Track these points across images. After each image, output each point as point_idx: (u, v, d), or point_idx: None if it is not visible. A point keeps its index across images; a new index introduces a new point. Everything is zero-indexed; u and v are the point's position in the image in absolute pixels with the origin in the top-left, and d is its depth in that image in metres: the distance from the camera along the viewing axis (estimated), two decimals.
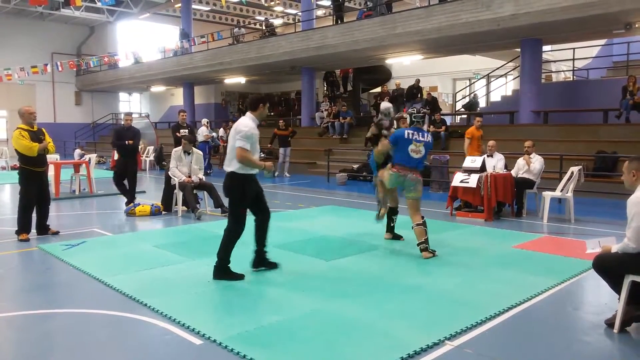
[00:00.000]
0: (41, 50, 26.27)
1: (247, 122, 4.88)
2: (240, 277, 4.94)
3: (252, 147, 4.84)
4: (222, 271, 4.93)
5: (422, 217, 5.92)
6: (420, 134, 6.07)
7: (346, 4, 20.51)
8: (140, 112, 30.84)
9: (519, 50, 14.11)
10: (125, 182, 9.26)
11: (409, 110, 6.86)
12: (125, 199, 9.31)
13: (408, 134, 6.01)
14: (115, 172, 9.40)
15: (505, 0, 11.62)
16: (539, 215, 8.39)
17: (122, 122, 9.43)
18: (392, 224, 6.77)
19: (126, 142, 9.03)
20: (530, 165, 8.55)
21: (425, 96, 17.18)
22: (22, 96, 24.33)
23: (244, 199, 4.98)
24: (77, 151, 18.15)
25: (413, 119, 6.27)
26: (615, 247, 3.81)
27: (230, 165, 4.88)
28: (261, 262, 5.25)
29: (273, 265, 5.31)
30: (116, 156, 9.98)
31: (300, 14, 19.51)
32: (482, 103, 18.78)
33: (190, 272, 5.23)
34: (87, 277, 5.13)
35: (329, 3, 21.63)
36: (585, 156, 11.07)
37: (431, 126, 14.84)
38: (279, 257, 5.81)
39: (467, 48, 15.44)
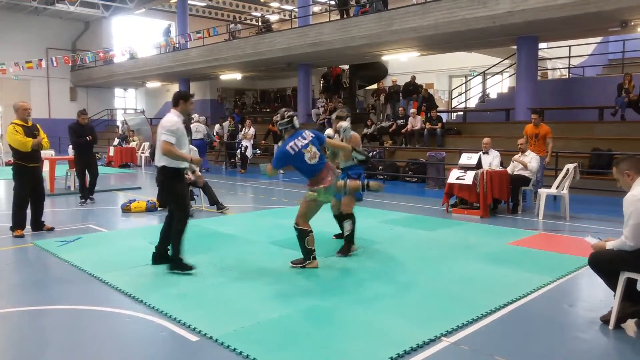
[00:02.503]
0: (36, 45, 26.09)
1: (170, 118, 5.07)
2: (190, 268, 5.03)
3: (179, 141, 5.03)
4: (176, 263, 5.06)
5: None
6: (300, 137, 5.18)
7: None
8: (135, 108, 30.73)
9: (515, 47, 14.12)
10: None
11: (275, 117, 5.35)
12: (84, 195, 9.60)
13: (291, 148, 5.14)
14: (78, 170, 9.64)
15: None
16: (534, 213, 8.42)
17: (77, 120, 9.59)
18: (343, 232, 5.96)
19: (87, 137, 9.35)
20: (527, 165, 8.56)
21: (422, 93, 17.17)
22: (17, 92, 24.19)
23: (180, 188, 5.19)
24: (70, 148, 18.03)
25: (279, 128, 5.28)
26: (610, 244, 3.82)
27: (160, 160, 5.05)
28: (162, 258, 5.30)
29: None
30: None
31: (296, 10, 19.43)
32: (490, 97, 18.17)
33: None
34: (83, 274, 5.11)
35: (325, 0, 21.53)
36: (581, 153, 11.10)
37: (427, 123, 14.86)
38: (276, 254, 5.83)
39: (463, 45, 15.44)
